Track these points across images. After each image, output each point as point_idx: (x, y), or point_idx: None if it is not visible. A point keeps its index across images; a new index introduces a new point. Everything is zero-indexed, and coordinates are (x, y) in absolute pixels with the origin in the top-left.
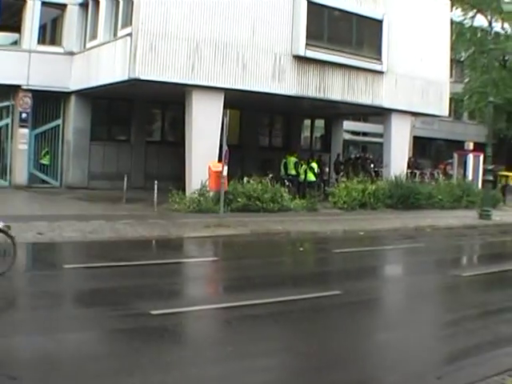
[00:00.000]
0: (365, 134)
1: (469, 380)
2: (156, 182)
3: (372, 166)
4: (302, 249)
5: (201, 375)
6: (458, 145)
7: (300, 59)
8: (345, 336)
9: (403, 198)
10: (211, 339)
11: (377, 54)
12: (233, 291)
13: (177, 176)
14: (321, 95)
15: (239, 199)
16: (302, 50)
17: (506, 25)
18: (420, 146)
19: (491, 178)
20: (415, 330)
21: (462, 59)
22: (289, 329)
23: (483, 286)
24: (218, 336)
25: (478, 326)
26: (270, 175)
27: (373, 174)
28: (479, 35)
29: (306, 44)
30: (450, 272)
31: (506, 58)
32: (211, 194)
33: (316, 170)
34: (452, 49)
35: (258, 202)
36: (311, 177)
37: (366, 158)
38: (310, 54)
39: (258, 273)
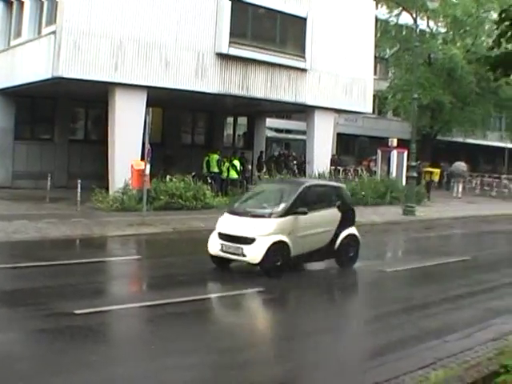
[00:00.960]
0: (288, 131)
1: (393, 374)
2: (79, 181)
3: (295, 163)
4: None
5: (124, 374)
6: (381, 141)
7: (223, 57)
8: (269, 333)
9: None
10: (135, 338)
11: (300, 52)
12: (156, 289)
13: (100, 175)
14: (244, 93)
15: (162, 197)
16: (225, 48)
17: (432, 23)
18: (343, 142)
19: (415, 174)
20: (340, 326)
21: (386, 57)
22: (212, 326)
23: (407, 281)
24: (142, 334)
25: (402, 321)
26: (193, 173)
27: (295, 171)
28: (404, 33)
29: (230, 42)
30: (374, 268)
31: (432, 56)
32: (134, 192)
33: (239, 168)
34: (376, 46)
35: (180, 200)
36: (233, 174)
37: (288, 155)
38: (234, 51)
39: (180, 271)
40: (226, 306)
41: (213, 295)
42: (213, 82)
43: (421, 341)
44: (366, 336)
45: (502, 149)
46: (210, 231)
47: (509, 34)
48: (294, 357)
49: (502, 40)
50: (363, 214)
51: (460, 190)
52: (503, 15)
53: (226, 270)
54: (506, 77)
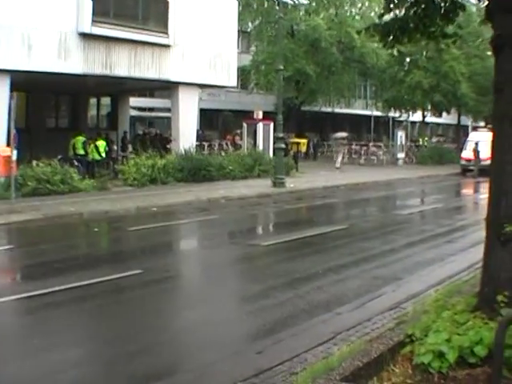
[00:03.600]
0: (151, 109)
1: (293, 353)
2: None
3: (161, 140)
4: (96, 229)
5: (7, 373)
6: (246, 115)
7: (86, 36)
8: (153, 317)
9: (194, 171)
10: (15, 332)
11: (164, 28)
12: (32, 279)
13: None
14: (107, 72)
15: (30, 183)
16: (87, 27)
17: None
18: (207, 117)
19: (283, 145)
20: (224, 304)
21: (248, 30)
22: (94, 314)
23: (286, 255)
24: (22, 328)
25: (289, 296)
26: (60, 156)
27: (161, 148)
28: (266, 5)
29: (93, 21)
30: (249, 242)
31: (294, 27)
32: (2, 179)
33: (104, 148)
34: (238, 20)
35: (48, 185)
36: (99, 156)
37: (156, 134)
38: (97, 30)
39: (55, 258)
40: (105, 291)
41: (92, 281)
42: (76, 62)
43: (312, 315)
44: (254, 313)
45: (368, 116)
46: (81, 215)
47: None
48: (180, 342)
49: (391, 6)
50: (234, 188)
51: (340, 159)
52: None
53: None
54: (398, 43)
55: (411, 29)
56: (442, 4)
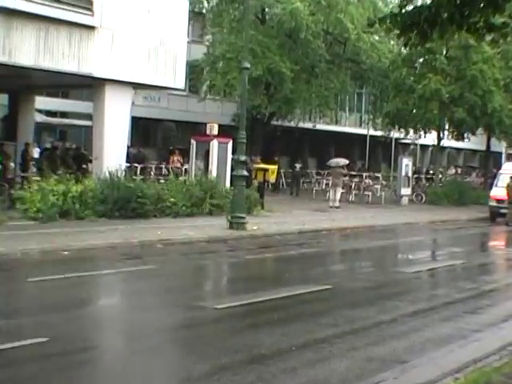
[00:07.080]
0: (64, 114)
1: None
2: None
3: (76, 158)
4: None
5: None
6: (195, 128)
7: None
8: None
9: (122, 203)
10: None
11: (87, 3)
12: None
13: None
14: (5, 59)
15: None
16: None
17: None
18: (141, 129)
19: (245, 172)
20: None
21: (203, 11)
22: None
23: (246, 322)
24: None
25: (250, 380)
26: None
27: (77, 169)
28: None
29: None
30: (196, 303)
31: (266, 10)
32: None
33: None
34: None
35: None
36: None
37: (67, 148)
38: None
39: None
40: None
41: None
42: None
43: None
44: None
45: (362, 136)
46: None
47: None
48: None
49: None
50: (176, 229)
51: (338, 196)
52: None
53: None
54: (424, 41)
55: (444, 20)
56: None
